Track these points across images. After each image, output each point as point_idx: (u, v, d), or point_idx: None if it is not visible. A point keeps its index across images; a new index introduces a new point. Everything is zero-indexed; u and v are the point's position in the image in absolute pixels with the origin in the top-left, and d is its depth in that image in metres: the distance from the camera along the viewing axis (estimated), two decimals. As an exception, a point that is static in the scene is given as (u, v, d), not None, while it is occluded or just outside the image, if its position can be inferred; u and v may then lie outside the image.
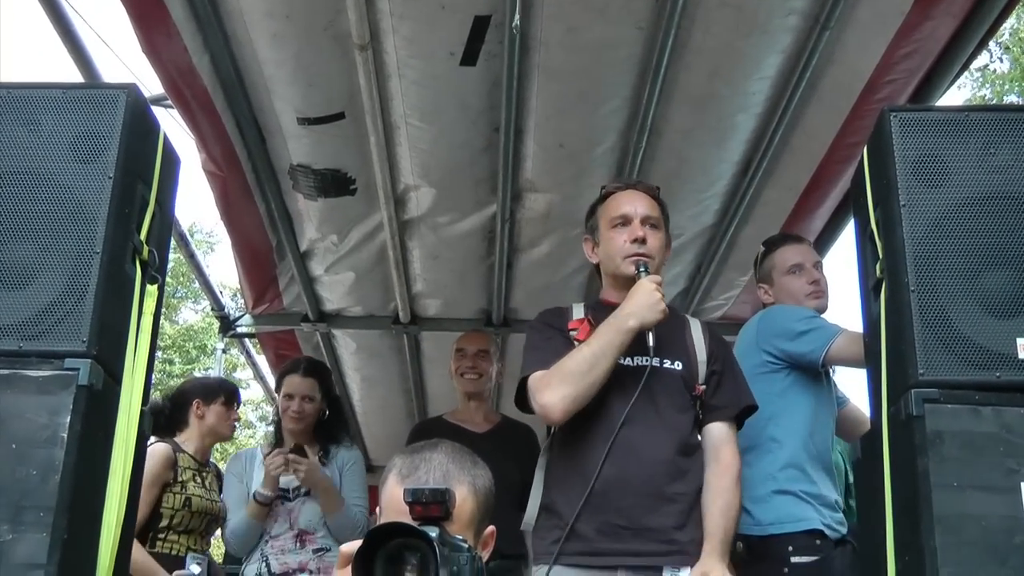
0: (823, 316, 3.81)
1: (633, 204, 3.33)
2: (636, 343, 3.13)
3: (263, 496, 4.43)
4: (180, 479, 4.51)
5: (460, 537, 1.77)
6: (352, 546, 1.72)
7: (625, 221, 3.31)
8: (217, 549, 7.08)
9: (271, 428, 4.97)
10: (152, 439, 4.16)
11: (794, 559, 3.48)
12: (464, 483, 2.01)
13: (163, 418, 4.71)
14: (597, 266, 3.48)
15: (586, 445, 3.14)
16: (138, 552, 4.33)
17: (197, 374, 23.01)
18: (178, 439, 4.70)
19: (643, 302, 3.11)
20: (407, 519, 1.74)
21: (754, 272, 4.09)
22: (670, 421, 3.18)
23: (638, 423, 3.13)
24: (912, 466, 2.39)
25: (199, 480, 4.63)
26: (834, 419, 3.84)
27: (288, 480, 4.50)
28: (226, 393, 4.92)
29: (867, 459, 2.75)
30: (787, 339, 3.67)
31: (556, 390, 3.11)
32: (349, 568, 1.70)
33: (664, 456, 3.13)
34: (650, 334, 3.12)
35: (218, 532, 4.85)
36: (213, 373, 11.41)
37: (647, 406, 3.16)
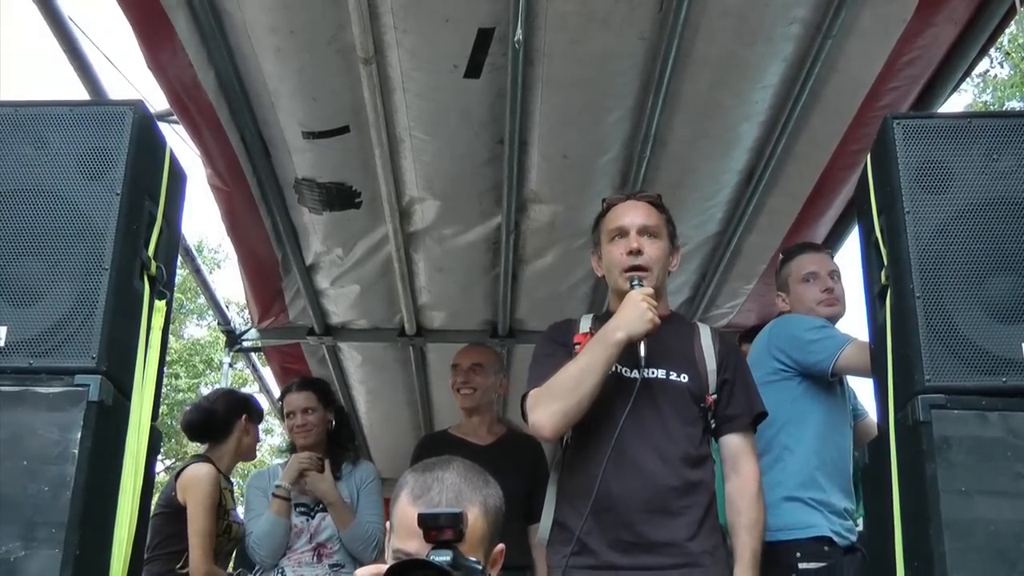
0: (837, 325, 3.83)
1: (629, 215, 3.32)
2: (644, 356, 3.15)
3: (282, 489, 4.44)
4: (223, 503, 4.52)
5: (473, 559, 1.79)
6: (367, 571, 1.75)
7: (621, 233, 3.30)
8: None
9: (285, 452, 4.97)
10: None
11: (802, 565, 3.49)
12: (476, 503, 2.03)
13: (213, 422, 4.72)
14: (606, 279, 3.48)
15: (590, 460, 3.15)
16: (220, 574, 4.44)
17: (204, 389, 23.05)
18: (211, 453, 4.70)
19: (631, 315, 3.10)
20: (419, 540, 1.79)
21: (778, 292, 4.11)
22: (676, 434, 3.17)
23: (643, 437, 3.14)
24: (920, 472, 2.39)
25: (233, 501, 4.64)
26: (850, 428, 3.84)
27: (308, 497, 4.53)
28: (261, 417, 4.95)
29: (874, 465, 2.75)
30: (797, 348, 3.69)
31: (545, 408, 3.13)
32: None
33: (670, 470, 3.12)
34: (641, 345, 3.11)
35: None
36: (220, 387, 11.44)
37: (653, 420, 3.16)
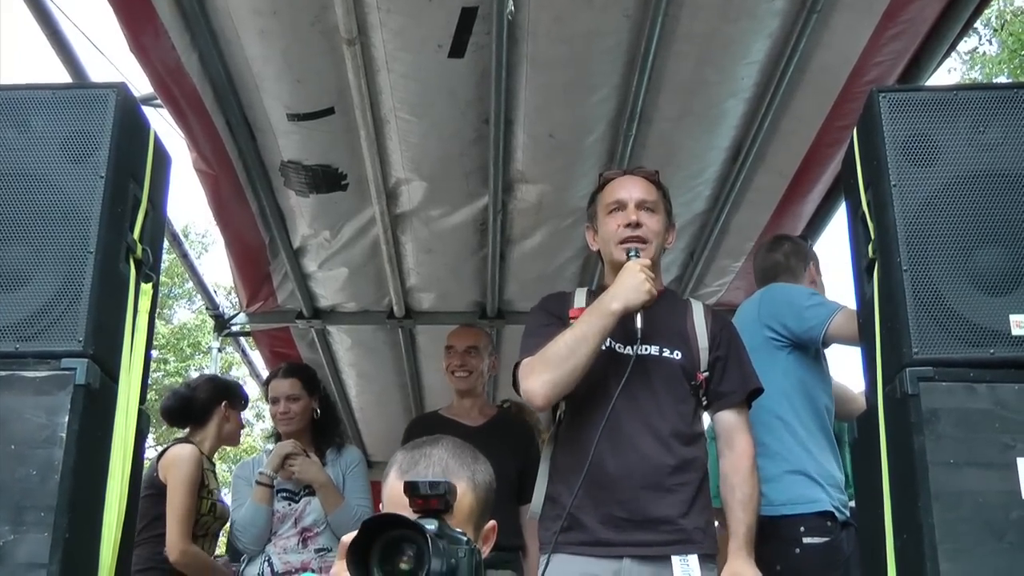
0: None
1: (628, 189, 3.32)
2: (633, 331, 3.15)
3: (265, 476, 4.45)
4: (206, 483, 4.53)
5: (460, 530, 1.78)
6: (352, 536, 1.74)
7: (620, 206, 3.30)
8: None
9: (271, 438, 4.99)
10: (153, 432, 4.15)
11: (806, 540, 3.51)
12: (463, 478, 2.04)
13: (191, 409, 4.72)
14: (600, 254, 3.47)
15: (584, 435, 3.15)
16: (202, 552, 4.48)
17: (193, 373, 23.01)
18: (192, 436, 4.70)
19: (628, 284, 3.11)
20: (408, 513, 1.76)
21: (785, 261, 4.12)
22: (668, 412, 3.18)
23: (636, 414, 3.15)
24: (908, 444, 2.40)
25: (216, 482, 4.65)
26: (832, 399, 3.86)
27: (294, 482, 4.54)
28: (246, 403, 4.95)
29: (864, 439, 2.76)
30: (790, 314, 3.71)
31: (538, 376, 3.13)
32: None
33: (663, 448, 3.13)
34: (638, 316, 3.11)
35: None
36: (209, 372, 11.43)
37: (646, 397, 3.17)
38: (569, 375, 3.09)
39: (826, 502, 3.58)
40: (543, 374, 3.12)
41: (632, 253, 3.21)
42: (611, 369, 3.15)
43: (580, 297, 3.39)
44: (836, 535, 3.57)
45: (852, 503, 3.74)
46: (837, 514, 3.59)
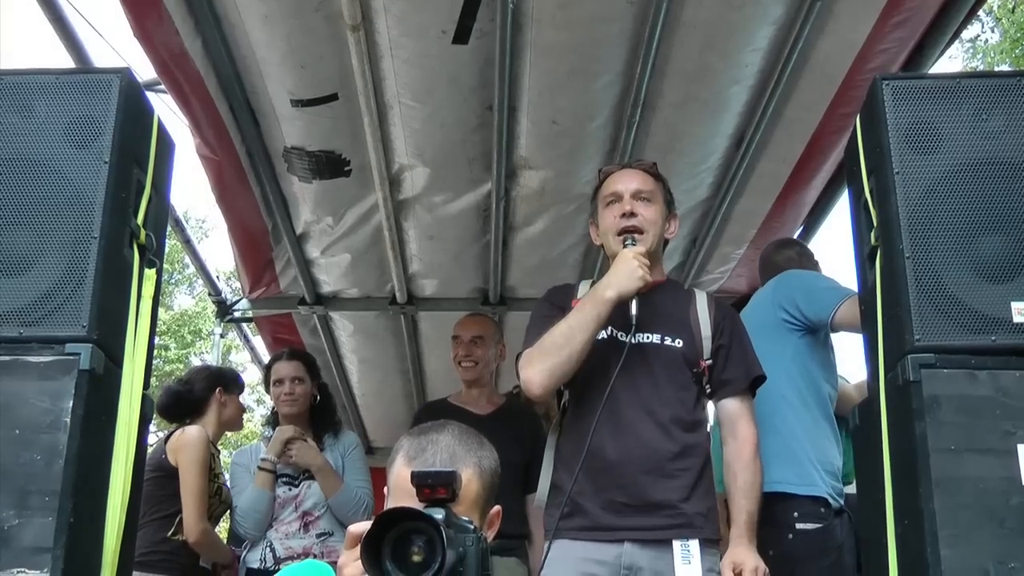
0: None
1: (623, 181, 3.36)
2: (639, 320, 3.16)
3: (267, 462, 4.48)
4: (213, 467, 4.55)
5: (466, 519, 1.79)
6: (360, 527, 1.75)
7: (616, 198, 3.34)
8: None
9: (268, 424, 5.02)
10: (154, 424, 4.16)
11: (799, 525, 3.53)
12: (470, 465, 2.04)
13: (187, 402, 4.73)
14: (603, 248, 3.50)
15: (584, 422, 3.17)
16: (216, 533, 4.52)
17: (194, 359, 23.06)
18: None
19: (621, 271, 3.15)
20: (414, 500, 1.77)
21: (798, 259, 4.18)
22: (670, 398, 3.20)
23: (637, 400, 3.17)
24: (910, 431, 2.41)
25: (220, 466, 4.68)
26: (836, 388, 3.88)
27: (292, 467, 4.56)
28: (242, 387, 4.97)
29: (865, 425, 2.77)
30: (803, 296, 3.75)
31: (535, 365, 3.17)
32: (356, 549, 1.72)
33: (664, 433, 3.15)
34: (633, 303, 3.14)
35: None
36: (209, 358, 11.43)
37: (646, 383, 3.19)
38: (565, 363, 3.12)
39: (821, 488, 3.60)
40: (539, 362, 3.15)
41: (628, 242, 3.24)
42: (612, 357, 3.17)
43: (583, 289, 3.42)
44: (829, 521, 3.58)
45: (847, 489, 3.76)
46: (831, 500, 3.60)
